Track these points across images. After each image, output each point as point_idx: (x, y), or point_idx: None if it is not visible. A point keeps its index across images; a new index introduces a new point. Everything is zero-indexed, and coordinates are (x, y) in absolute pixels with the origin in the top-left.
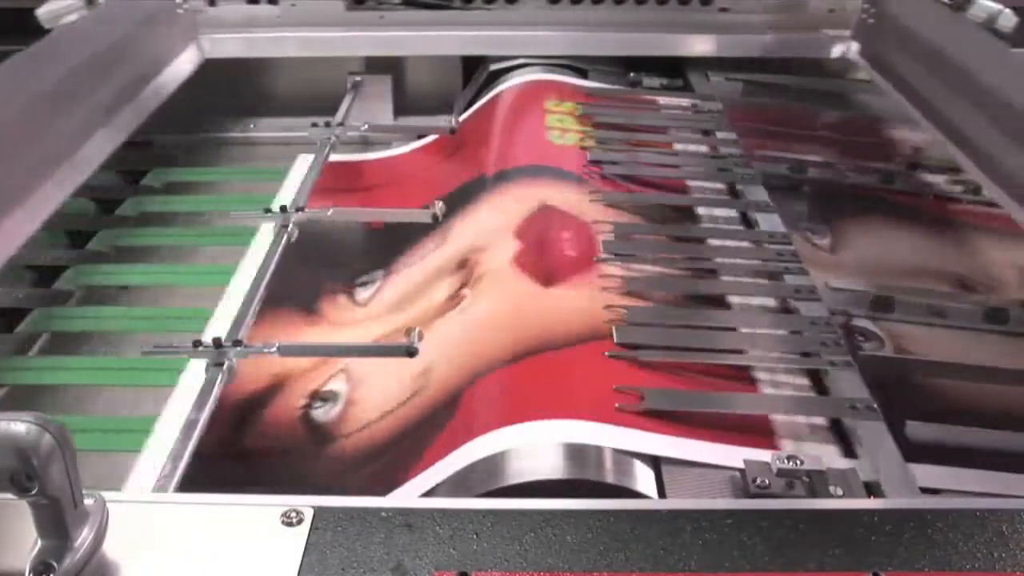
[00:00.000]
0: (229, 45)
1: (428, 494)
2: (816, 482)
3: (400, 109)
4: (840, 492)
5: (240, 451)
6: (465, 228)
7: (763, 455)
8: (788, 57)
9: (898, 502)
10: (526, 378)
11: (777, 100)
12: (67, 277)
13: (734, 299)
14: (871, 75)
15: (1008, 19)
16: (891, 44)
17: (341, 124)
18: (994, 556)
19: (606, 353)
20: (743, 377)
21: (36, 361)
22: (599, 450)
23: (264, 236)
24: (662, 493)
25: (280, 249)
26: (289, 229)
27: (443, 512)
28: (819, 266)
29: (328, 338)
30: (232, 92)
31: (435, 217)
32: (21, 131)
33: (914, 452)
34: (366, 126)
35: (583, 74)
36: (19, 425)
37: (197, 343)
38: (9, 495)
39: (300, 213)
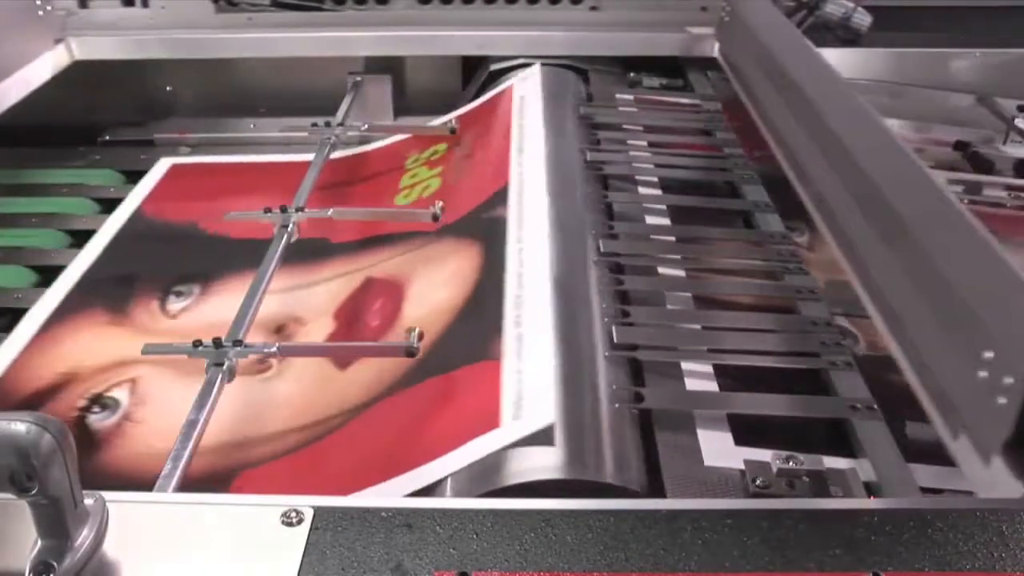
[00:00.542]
0: (100, 46)
1: None
2: (816, 482)
3: (400, 109)
4: (840, 492)
5: None
6: (296, 290)
7: (763, 454)
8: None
9: (898, 502)
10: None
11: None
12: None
13: (734, 299)
14: (729, 76)
15: (862, 17)
16: (737, 44)
17: (341, 124)
18: (994, 556)
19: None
20: (742, 377)
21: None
22: None
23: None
24: (662, 493)
25: (280, 249)
26: (289, 229)
27: (443, 512)
28: (816, 266)
29: (127, 344)
30: (232, 92)
31: (435, 216)
32: None
33: (914, 452)
34: (366, 126)
35: (583, 74)
36: (19, 425)
37: (197, 343)
38: (9, 495)
39: (300, 213)
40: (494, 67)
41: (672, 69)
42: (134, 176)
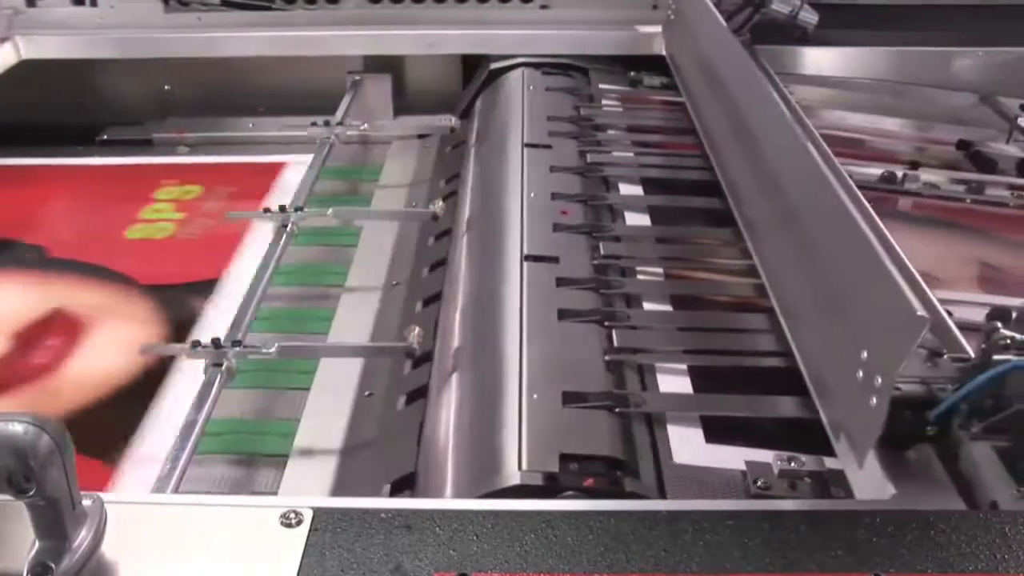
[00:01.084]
0: (48, 45)
1: None
2: (817, 483)
3: (400, 108)
4: (842, 493)
5: None
6: None
7: (764, 455)
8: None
9: (901, 503)
10: None
11: None
12: None
13: (737, 300)
14: (673, 74)
15: (809, 15)
16: (679, 42)
17: (340, 123)
18: (997, 558)
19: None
20: (744, 379)
21: None
22: None
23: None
24: (663, 494)
25: (279, 249)
26: (289, 228)
27: (443, 513)
28: None
29: None
30: (231, 91)
31: (435, 216)
32: None
33: None
34: (365, 125)
35: (584, 73)
36: (17, 425)
37: (196, 343)
38: (6, 496)
39: (300, 212)
40: (494, 66)
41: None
42: None
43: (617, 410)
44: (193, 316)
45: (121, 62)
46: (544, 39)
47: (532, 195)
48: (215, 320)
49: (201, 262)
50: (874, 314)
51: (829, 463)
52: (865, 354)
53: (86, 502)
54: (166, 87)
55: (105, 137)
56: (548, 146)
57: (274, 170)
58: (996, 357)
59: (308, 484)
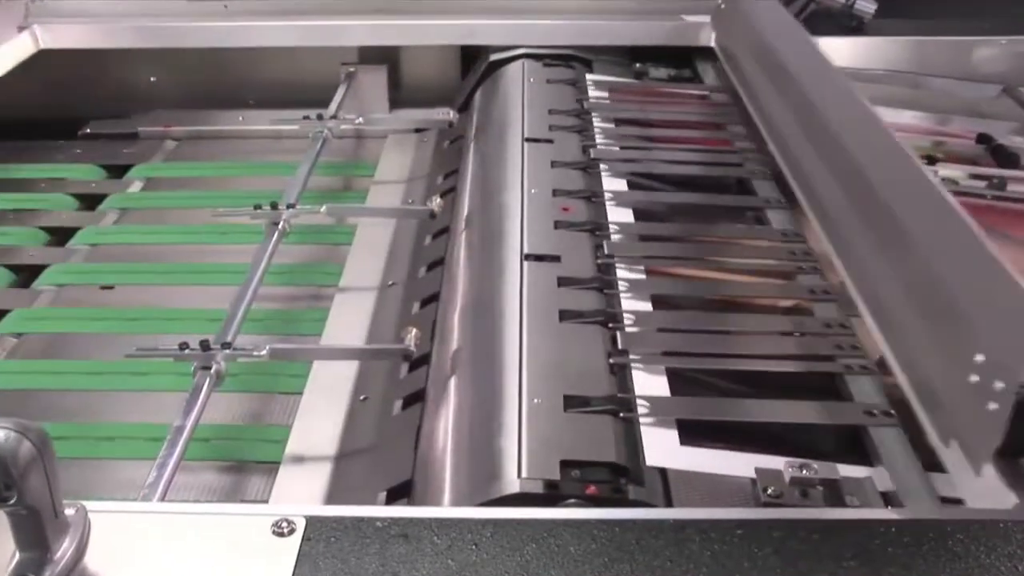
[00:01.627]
0: (67, 34)
1: None
2: (831, 491)
3: (396, 101)
4: (856, 502)
5: None
6: None
7: (775, 463)
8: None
9: (917, 512)
10: None
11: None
12: (45, 277)
13: (745, 300)
14: (724, 67)
15: (866, 4)
16: (733, 32)
17: (334, 117)
18: (1018, 569)
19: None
20: (754, 382)
21: (13, 364)
22: None
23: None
24: (669, 502)
25: (270, 248)
26: (281, 226)
27: (440, 522)
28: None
29: None
30: (220, 83)
31: (432, 213)
32: None
33: (933, 460)
34: (360, 119)
35: (587, 64)
36: None
37: (184, 345)
38: None
39: (292, 210)
40: (494, 57)
41: (680, 59)
42: (117, 171)
43: (621, 415)
44: None
45: (109, 52)
46: (587, 29)
47: (533, 191)
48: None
49: None
50: (992, 316)
51: (843, 470)
52: (981, 357)
53: (69, 511)
54: (152, 79)
55: (88, 131)
56: (549, 140)
57: None
58: None
59: (300, 492)
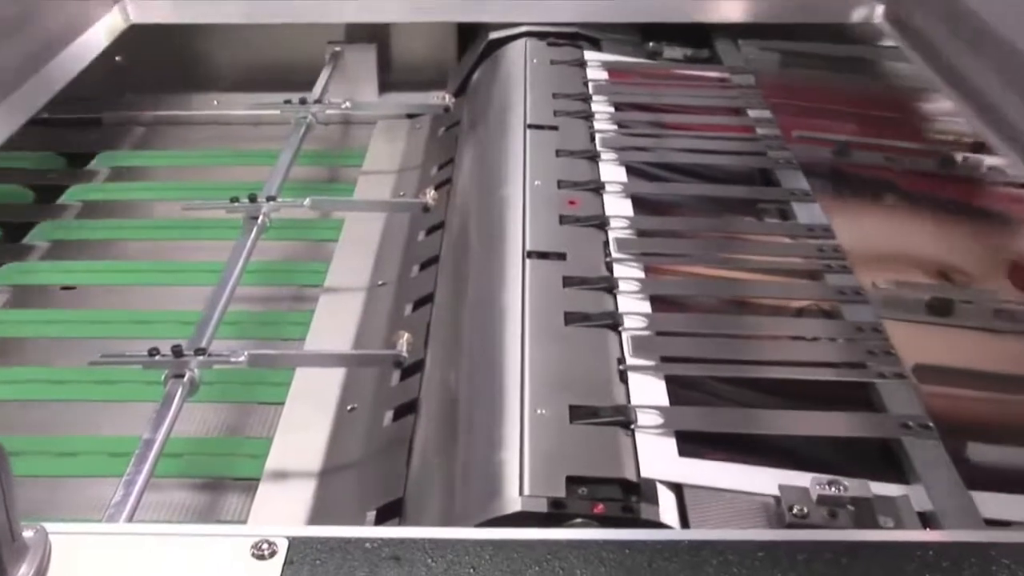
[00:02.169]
0: (158, 9)
1: None
2: (862, 511)
3: (386, 84)
4: (890, 523)
5: None
6: None
7: (801, 479)
8: (808, 22)
9: (958, 535)
10: None
11: (819, 72)
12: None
13: (768, 302)
14: (897, 41)
15: None
16: (918, 6)
17: (318, 101)
18: None
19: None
20: (778, 392)
21: None
22: None
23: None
24: (684, 522)
25: (249, 244)
26: (260, 221)
27: (435, 543)
28: (862, 263)
29: None
30: (192, 63)
31: (426, 207)
32: None
33: (977, 478)
34: (347, 103)
35: (595, 43)
36: None
37: (153, 351)
38: None
39: (272, 203)
40: (493, 36)
41: (696, 37)
42: (78, 160)
43: (632, 427)
44: None
45: None
46: (575, 5)
47: (536, 183)
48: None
49: None
50: None
51: (876, 488)
52: None
53: (27, 533)
54: (116, 58)
55: (46, 115)
56: (554, 127)
57: None
58: None
59: (282, 511)
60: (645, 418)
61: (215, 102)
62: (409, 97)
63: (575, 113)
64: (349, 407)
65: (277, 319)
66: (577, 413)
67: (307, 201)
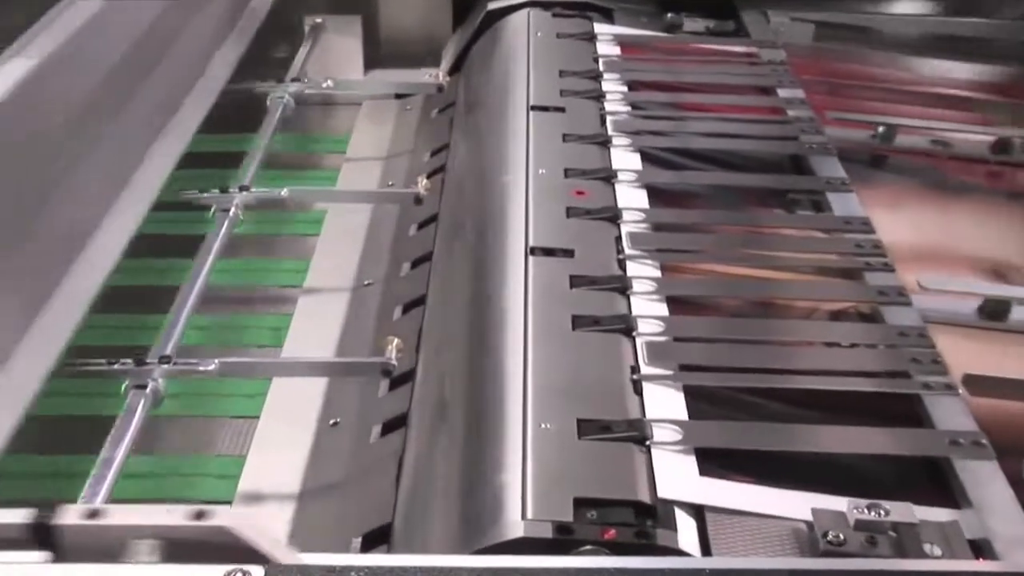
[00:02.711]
0: None
1: None
2: (906, 538)
3: (372, 61)
4: (938, 552)
5: None
6: None
7: (836, 502)
8: None
9: (1016, 564)
10: None
11: (858, 46)
12: None
13: (799, 304)
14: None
15: None
16: None
17: (297, 80)
18: None
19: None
20: (811, 404)
21: None
22: None
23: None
24: (706, 550)
25: (220, 240)
26: (232, 213)
27: (428, 571)
28: (906, 260)
29: None
30: None
31: (418, 198)
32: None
33: None
34: (329, 82)
35: (607, 14)
36: None
37: (112, 360)
38: None
39: (245, 193)
40: (492, 6)
41: (721, 8)
42: None
43: (647, 443)
44: None
45: None
46: None
47: (540, 171)
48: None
49: None
50: None
51: (921, 512)
52: None
53: None
54: None
55: None
56: (560, 109)
57: None
58: None
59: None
60: (662, 433)
61: None
62: (398, 75)
63: (584, 93)
64: (332, 421)
65: (251, 323)
66: (586, 428)
67: (284, 191)
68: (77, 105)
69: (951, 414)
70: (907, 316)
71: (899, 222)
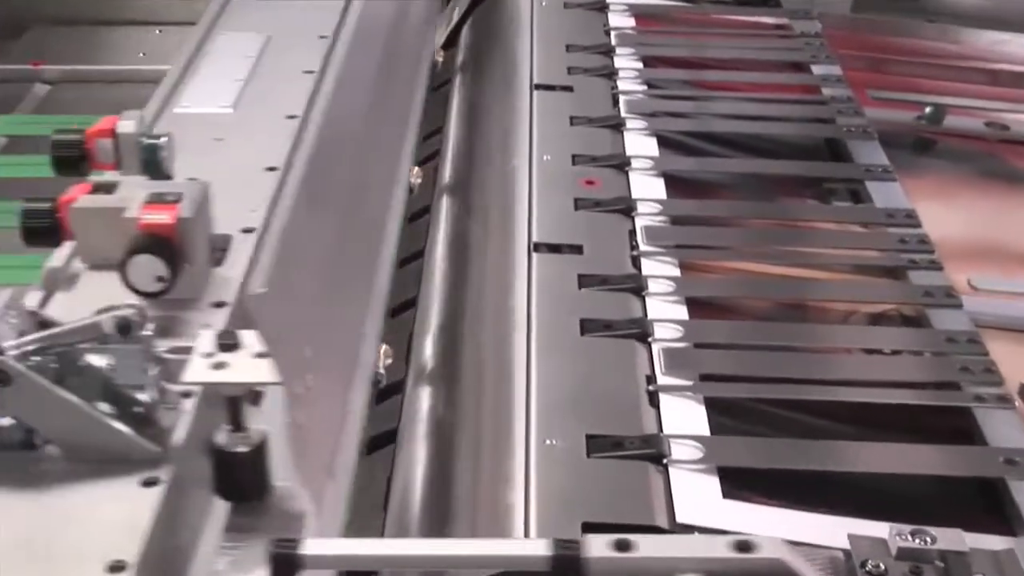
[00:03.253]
0: None
1: None
2: (954, 568)
3: None
4: None
5: None
6: None
7: (876, 528)
8: None
9: None
10: None
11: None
12: None
13: (836, 307)
14: None
15: None
16: None
17: None
18: None
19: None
20: (847, 419)
21: None
22: None
23: None
24: None
25: None
26: None
27: None
28: (955, 257)
29: None
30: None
31: (409, 188)
32: None
33: None
34: None
35: None
36: None
37: None
38: None
39: None
40: None
41: None
42: None
43: (665, 462)
44: None
45: None
46: None
47: (545, 158)
48: None
49: None
50: None
51: (972, 540)
52: None
53: None
54: None
55: None
56: (567, 88)
57: None
58: None
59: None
60: (680, 451)
61: (141, 54)
62: None
63: (594, 70)
64: None
65: None
66: (596, 444)
67: None
68: None
69: (1006, 429)
70: (956, 320)
71: (948, 214)
